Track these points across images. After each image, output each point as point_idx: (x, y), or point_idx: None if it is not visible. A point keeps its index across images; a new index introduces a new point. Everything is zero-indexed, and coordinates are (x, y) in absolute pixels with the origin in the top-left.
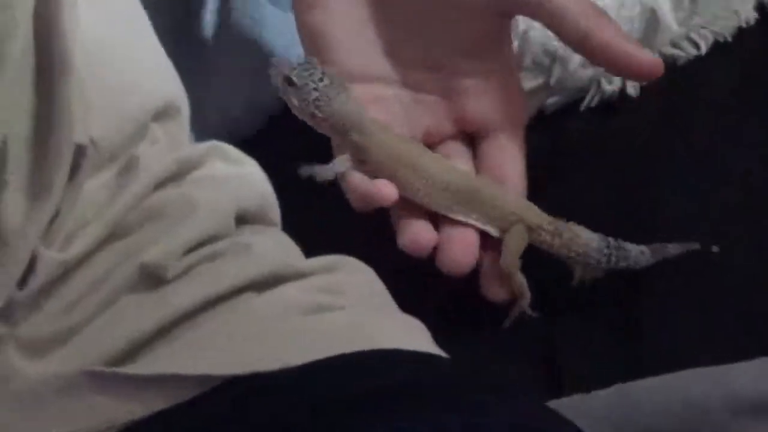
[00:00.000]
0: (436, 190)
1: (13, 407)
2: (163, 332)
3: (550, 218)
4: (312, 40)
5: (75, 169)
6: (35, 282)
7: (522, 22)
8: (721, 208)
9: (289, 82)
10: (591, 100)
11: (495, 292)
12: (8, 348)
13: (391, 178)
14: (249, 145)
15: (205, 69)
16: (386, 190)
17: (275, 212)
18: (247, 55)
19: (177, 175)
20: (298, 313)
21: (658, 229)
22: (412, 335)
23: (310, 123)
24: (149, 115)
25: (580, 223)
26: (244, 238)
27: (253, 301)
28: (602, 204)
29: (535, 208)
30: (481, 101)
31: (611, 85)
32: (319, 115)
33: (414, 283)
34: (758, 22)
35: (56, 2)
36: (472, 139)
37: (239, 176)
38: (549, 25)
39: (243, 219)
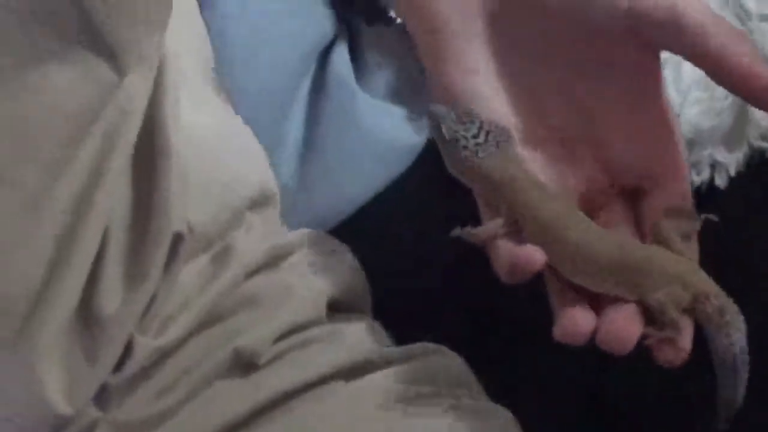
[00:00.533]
0: (591, 265)
1: None
2: (254, 417)
3: (719, 290)
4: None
5: (172, 256)
6: (131, 368)
7: None
8: None
9: (439, 134)
10: None
11: (668, 358)
12: None
13: (545, 247)
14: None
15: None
16: (534, 257)
17: (366, 300)
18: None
19: (271, 263)
20: (396, 401)
21: None
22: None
23: (461, 180)
24: (245, 203)
25: None
26: (336, 326)
27: (342, 389)
28: None
29: (704, 273)
30: (636, 151)
31: (699, 176)
32: (467, 173)
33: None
34: None
35: (159, 92)
36: (631, 196)
37: (333, 264)
38: (684, 46)
39: (335, 307)
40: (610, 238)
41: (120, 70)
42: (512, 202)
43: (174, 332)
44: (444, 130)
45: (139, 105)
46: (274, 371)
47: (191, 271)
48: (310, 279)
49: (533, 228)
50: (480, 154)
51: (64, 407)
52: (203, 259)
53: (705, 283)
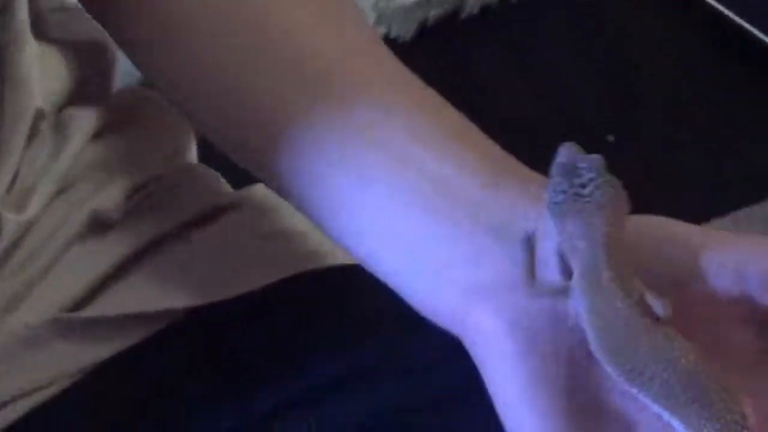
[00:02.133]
0: None
1: None
2: (118, 274)
3: None
4: None
5: (34, 131)
6: (1, 245)
7: None
8: None
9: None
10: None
11: None
12: None
13: None
14: None
15: None
16: None
17: (194, 150)
18: None
19: (110, 127)
20: (251, 238)
21: None
22: None
23: None
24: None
25: None
26: (176, 178)
27: (200, 233)
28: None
29: None
30: None
31: None
32: None
33: None
34: None
35: None
36: None
37: (167, 121)
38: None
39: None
40: None
41: None
42: None
43: (35, 205)
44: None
45: None
46: (130, 227)
47: (40, 142)
48: (151, 137)
49: None
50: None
51: None
52: (46, 129)
53: None
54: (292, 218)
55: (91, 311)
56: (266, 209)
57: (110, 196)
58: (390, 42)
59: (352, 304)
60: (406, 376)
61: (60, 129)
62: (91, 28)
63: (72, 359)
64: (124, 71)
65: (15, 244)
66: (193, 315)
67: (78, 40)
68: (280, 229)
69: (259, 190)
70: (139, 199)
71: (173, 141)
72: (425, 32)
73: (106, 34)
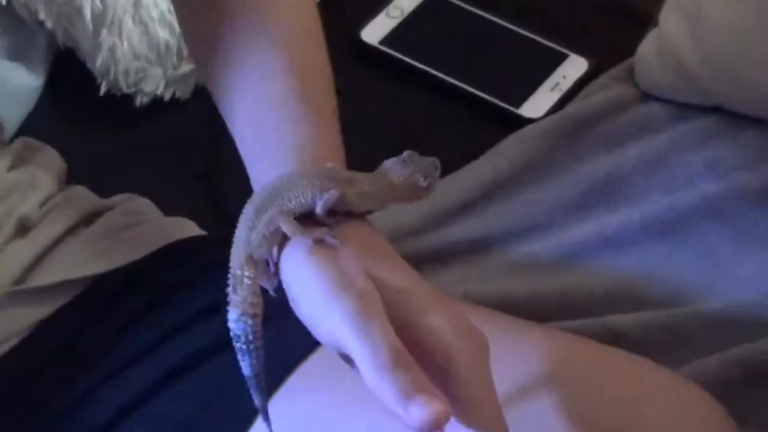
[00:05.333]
0: None
1: None
2: (43, 256)
3: None
4: None
5: None
6: None
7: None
8: None
9: None
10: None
11: None
12: None
13: None
14: None
15: None
16: None
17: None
18: None
19: (16, 163)
20: (119, 230)
21: None
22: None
23: None
24: None
25: None
26: (66, 194)
27: (91, 229)
28: None
29: None
30: None
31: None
32: None
33: None
34: None
35: None
36: None
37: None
38: None
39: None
40: None
41: None
42: None
43: None
44: None
45: None
46: (46, 226)
47: None
48: (47, 165)
49: None
50: None
51: None
52: None
53: None
54: (146, 214)
55: (30, 284)
56: (130, 209)
57: (29, 207)
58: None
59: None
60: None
61: None
62: None
63: (23, 319)
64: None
65: None
66: (96, 283)
67: None
68: (140, 220)
69: (121, 197)
70: (45, 210)
71: (57, 171)
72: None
73: None
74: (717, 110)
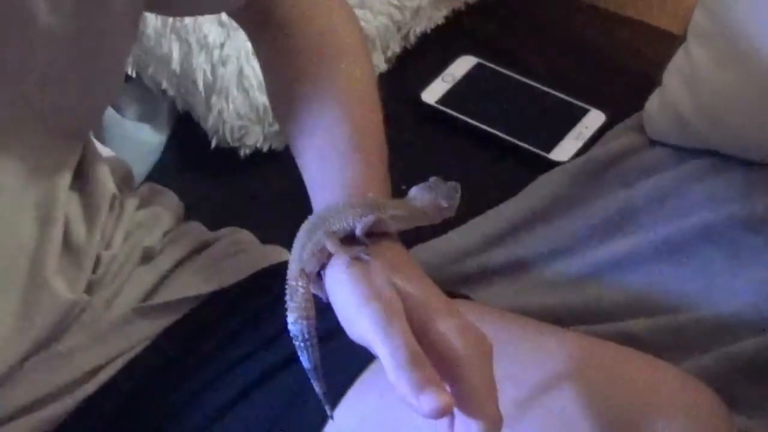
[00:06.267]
0: None
1: (93, 336)
2: (164, 279)
3: None
4: None
5: (111, 209)
6: (101, 269)
7: None
8: None
9: None
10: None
11: None
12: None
13: None
14: None
15: None
16: None
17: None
18: None
19: (143, 204)
20: (225, 257)
21: None
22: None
23: None
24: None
25: None
26: (183, 228)
27: (203, 256)
28: None
29: None
30: None
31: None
32: None
33: None
34: None
35: None
36: None
37: (169, 198)
38: None
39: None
40: None
41: None
42: None
43: (115, 245)
44: None
45: None
46: (167, 254)
47: (111, 214)
48: (168, 206)
49: None
50: None
51: (69, 295)
52: (117, 206)
53: None
54: (247, 243)
55: (154, 301)
56: (234, 240)
57: (153, 240)
58: None
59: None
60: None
61: (121, 205)
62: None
63: (147, 330)
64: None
65: (106, 269)
66: (207, 300)
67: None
68: (243, 249)
69: (227, 230)
70: (166, 241)
71: (176, 210)
72: None
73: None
74: (712, 153)
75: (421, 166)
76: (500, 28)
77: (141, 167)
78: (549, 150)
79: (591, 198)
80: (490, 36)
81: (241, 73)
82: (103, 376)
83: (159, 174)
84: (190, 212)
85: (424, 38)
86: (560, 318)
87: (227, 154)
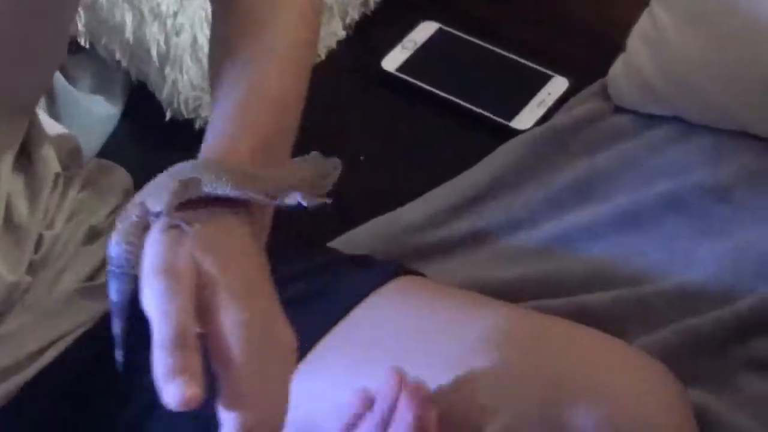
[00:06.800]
0: None
1: (37, 317)
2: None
3: None
4: None
5: (55, 189)
6: (43, 250)
7: None
8: None
9: None
10: None
11: None
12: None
13: None
14: None
15: None
16: None
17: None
18: None
19: (90, 181)
20: None
21: None
22: None
23: None
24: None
25: None
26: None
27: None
28: None
29: None
30: None
31: None
32: None
33: None
34: None
35: None
36: None
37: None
38: None
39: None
40: None
41: None
42: None
43: (57, 226)
44: None
45: None
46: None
47: (56, 192)
48: (115, 183)
49: None
50: None
51: (10, 277)
52: (60, 185)
53: None
54: None
55: (98, 280)
56: None
57: (98, 219)
58: None
59: None
60: None
61: (65, 183)
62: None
63: (93, 309)
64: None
65: (49, 249)
66: None
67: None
68: None
69: None
70: (111, 220)
71: (124, 187)
72: None
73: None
74: (678, 120)
75: (381, 135)
76: None
77: (95, 140)
78: (510, 118)
79: (552, 167)
80: (451, 1)
81: (195, 42)
82: (48, 357)
83: (113, 147)
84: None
85: (384, 4)
86: (519, 292)
87: (182, 125)
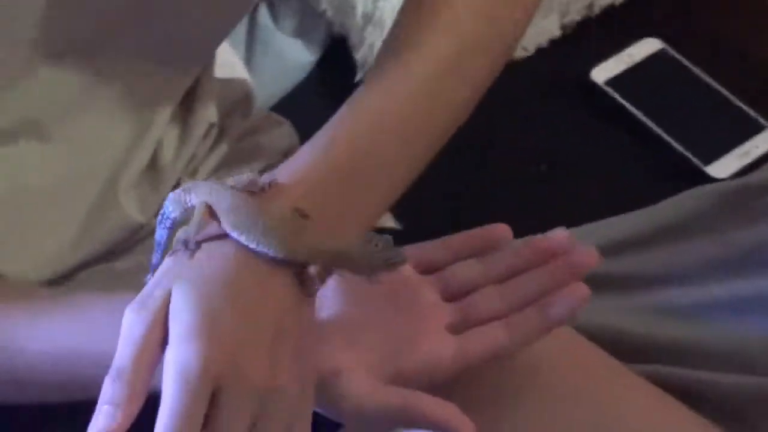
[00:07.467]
0: None
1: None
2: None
3: None
4: None
5: (208, 135)
6: None
7: None
8: None
9: None
10: None
11: None
12: None
13: None
14: None
15: None
16: None
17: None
18: None
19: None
20: None
21: None
22: None
23: None
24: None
25: None
26: None
27: None
28: None
29: None
30: None
31: None
32: None
33: None
34: None
35: None
36: None
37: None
38: None
39: None
40: None
41: None
42: None
43: (201, 175)
44: None
45: None
46: None
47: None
48: (275, 138)
49: None
50: None
51: (138, 217)
52: (213, 135)
53: None
54: None
55: None
56: None
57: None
58: None
59: None
60: None
61: (219, 133)
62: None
63: None
64: None
65: None
66: None
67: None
68: None
69: None
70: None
71: (287, 144)
72: None
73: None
74: None
75: (568, 145)
76: (697, 12)
77: (283, 83)
78: (708, 162)
79: (732, 226)
80: (682, 20)
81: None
82: None
83: (292, 94)
84: None
85: (610, 10)
86: (649, 350)
87: None
